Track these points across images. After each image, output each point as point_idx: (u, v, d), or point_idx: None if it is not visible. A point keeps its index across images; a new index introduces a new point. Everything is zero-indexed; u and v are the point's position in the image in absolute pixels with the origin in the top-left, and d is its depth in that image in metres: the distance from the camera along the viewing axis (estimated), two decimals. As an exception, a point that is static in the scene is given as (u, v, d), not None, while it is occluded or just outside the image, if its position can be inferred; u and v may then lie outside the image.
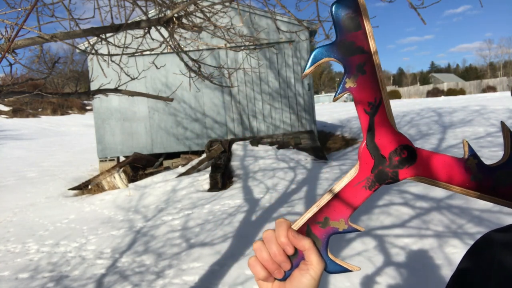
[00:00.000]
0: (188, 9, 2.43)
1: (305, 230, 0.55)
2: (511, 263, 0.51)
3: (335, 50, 0.53)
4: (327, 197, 0.54)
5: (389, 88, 49.14)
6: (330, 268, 0.55)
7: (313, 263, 0.52)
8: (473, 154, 0.53)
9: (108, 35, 2.17)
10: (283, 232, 0.53)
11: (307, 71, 0.53)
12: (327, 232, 0.54)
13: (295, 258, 0.54)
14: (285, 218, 0.55)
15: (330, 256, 0.55)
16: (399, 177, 0.54)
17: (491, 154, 6.31)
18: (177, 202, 6.05)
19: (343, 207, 0.54)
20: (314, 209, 0.55)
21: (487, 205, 4.25)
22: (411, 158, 0.54)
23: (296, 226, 0.55)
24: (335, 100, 0.56)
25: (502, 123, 0.54)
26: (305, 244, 0.52)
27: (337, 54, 0.52)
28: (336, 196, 0.54)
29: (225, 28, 2.64)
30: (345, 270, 0.55)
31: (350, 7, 0.52)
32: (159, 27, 2.22)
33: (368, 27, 0.52)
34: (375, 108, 0.53)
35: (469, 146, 0.53)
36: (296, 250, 0.54)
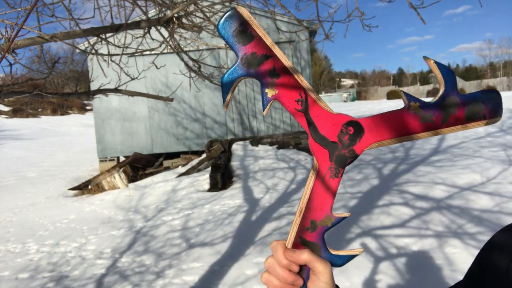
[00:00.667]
0: (188, 9, 2.43)
1: (300, 242, 0.55)
2: None
3: (241, 68, 0.53)
4: (304, 202, 0.55)
5: (389, 88, 49.13)
6: (338, 262, 0.55)
7: (320, 271, 0.53)
8: (412, 99, 0.54)
9: (108, 35, 2.17)
10: (281, 255, 0.54)
11: (225, 102, 0.54)
12: (320, 233, 0.55)
13: (304, 272, 0.55)
14: (278, 240, 0.56)
15: (332, 252, 0.55)
16: (357, 152, 0.54)
17: (492, 154, 6.32)
18: (177, 202, 6.05)
19: (322, 204, 0.55)
20: (298, 219, 0.55)
21: (487, 205, 4.25)
22: (359, 130, 0.54)
23: (290, 243, 0.55)
24: (265, 113, 0.56)
25: (425, 58, 0.54)
26: (304, 257, 0.53)
27: (245, 71, 0.53)
28: (312, 197, 0.55)
29: (225, 28, 2.63)
30: (352, 257, 0.56)
31: (235, 21, 0.52)
32: (159, 27, 2.22)
33: (260, 31, 0.52)
34: (305, 102, 0.54)
35: (405, 93, 0.54)
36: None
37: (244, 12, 0.52)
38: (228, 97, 0.53)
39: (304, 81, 0.53)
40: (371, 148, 0.54)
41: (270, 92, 0.53)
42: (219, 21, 0.53)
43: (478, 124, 0.53)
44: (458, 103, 0.53)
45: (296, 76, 0.53)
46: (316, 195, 0.55)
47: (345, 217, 0.55)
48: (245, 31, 0.52)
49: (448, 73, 0.54)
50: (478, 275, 0.59)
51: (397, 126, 0.53)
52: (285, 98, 0.54)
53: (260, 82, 0.53)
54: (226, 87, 0.53)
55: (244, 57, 0.53)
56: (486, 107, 0.53)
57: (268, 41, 0.52)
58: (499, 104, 0.54)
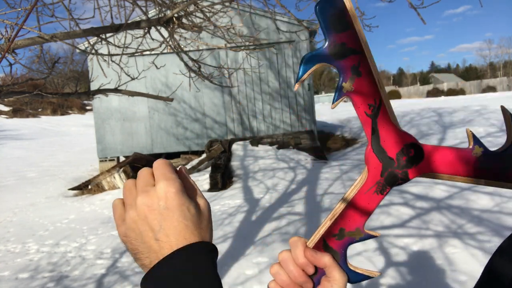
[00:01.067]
0: (188, 9, 2.43)
1: (322, 245, 0.53)
2: None
3: (326, 54, 0.50)
4: (340, 208, 0.53)
5: (389, 88, 49.15)
6: (353, 279, 0.54)
7: (336, 279, 0.51)
8: (478, 143, 0.53)
9: (108, 35, 2.17)
10: (300, 252, 0.52)
11: (298, 83, 0.51)
12: (344, 243, 0.53)
13: (316, 275, 0.53)
14: (299, 236, 0.53)
15: (351, 266, 0.54)
16: (409, 177, 0.53)
17: (491, 154, 6.32)
18: (177, 202, 6.04)
19: (357, 215, 0.53)
20: (327, 222, 0.53)
21: (487, 205, 4.25)
22: (419, 156, 0.52)
23: (312, 243, 0.53)
24: (333, 106, 0.55)
25: (503, 108, 0.54)
26: (326, 261, 0.51)
27: (329, 58, 0.50)
28: (349, 205, 0.53)
29: (225, 28, 2.64)
30: (368, 278, 0.54)
31: (336, 6, 0.50)
32: (159, 27, 2.22)
33: (357, 26, 0.50)
34: (376, 109, 0.52)
35: (473, 135, 0.53)
36: (316, 267, 0.53)
37: (348, 1, 0.50)
38: (305, 76, 0.51)
39: (383, 89, 0.52)
40: (422, 177, 0.53)
41: (346, 87, 0.51)
42: None
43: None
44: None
45: (377, 81, 0.51)
46: (355, 205, 0.53)
47: (375, 236, 0.53)
48: (343, 18, 0.50)
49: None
50: (486, 282, 0.57)
51: (455, 165, 0.52)
52: (358, 98, 0.52)
53: (339, 74, 0.51)
54: (306, 69, 0.50)
55: (332, 44, 0.50)
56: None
57: (363, 38, 0.50)
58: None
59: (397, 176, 0.52)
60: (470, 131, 0.54)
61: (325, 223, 0.53)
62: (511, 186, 0.52)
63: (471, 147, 0.52)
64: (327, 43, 0.50)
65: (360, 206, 0.53)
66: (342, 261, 0.53)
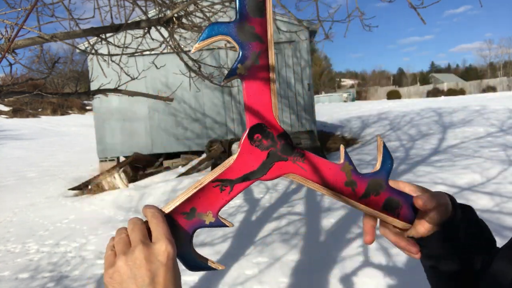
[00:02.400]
0: (188, 9, 2.43)
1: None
2: None
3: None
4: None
5: (389, 88, 49.14)
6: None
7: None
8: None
9: (108, 35, 2.17)
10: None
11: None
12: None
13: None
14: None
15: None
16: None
17: (491, 154, 6.31)
18: (177, 202, 6.04)
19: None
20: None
21: (487, 205, 4.25)
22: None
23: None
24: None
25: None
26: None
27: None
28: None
29: (225, 28, 2.63)
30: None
31: None
32: (159, 27, 2.22)
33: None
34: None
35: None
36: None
37: None
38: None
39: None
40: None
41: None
42: None
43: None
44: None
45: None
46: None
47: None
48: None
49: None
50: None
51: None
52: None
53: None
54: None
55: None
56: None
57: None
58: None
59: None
60: (344, 147, 0.56)
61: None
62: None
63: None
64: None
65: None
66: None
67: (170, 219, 0.50)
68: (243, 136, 0.52)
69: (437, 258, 0.61)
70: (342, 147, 0.56)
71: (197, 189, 0.50)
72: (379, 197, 0.55)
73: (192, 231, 0.51)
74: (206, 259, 0.51)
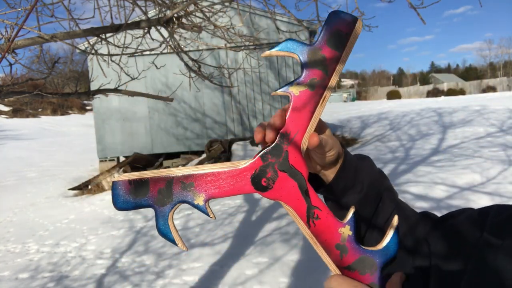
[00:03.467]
0: (188, 9, 2.43)
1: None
2: None
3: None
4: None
5: (389, 88, 49.14)
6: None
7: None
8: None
9: (108, 35, 2.17)
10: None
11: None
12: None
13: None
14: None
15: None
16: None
17: (491, 154, 6.32)
18: (177, 202, 6.04)
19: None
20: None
21: (487, 205, 4.25)
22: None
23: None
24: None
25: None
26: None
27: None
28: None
29: (225, 28, 2.64)
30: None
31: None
32: (159, 27, 2.22)
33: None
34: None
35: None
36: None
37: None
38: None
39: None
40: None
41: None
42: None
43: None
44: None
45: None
46: (217, 176, 0.52)
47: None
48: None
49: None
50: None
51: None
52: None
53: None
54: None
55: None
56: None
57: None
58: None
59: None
60: (354, 208, 0.52)
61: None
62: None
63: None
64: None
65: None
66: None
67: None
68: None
69: (341, 191, 0.63)
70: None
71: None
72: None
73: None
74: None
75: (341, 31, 0.51)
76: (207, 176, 0.52)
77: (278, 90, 0.52)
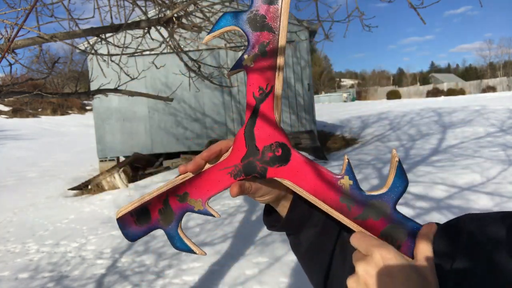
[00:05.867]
0: (187, 9, 2.43)
1: (163, 200, 0.52)
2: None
3: (244, 20, 0.49)
4: (191, 173, 0.52)
5: (389, 88, 49.13)
6: (178, 245, 0.53)
7: None
8: (349, 174, 0.49)
9: (107, 35, 2.17)
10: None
11: (209, 36, 0.50)
12: (183, 207, 0.52)
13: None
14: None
15: (180, 232, 0.53)
16: (266, 175, 0.51)
17: (492, 154, 6.31)
18: (177, 202, 6.04)
19: (204, 187, 0.52)
20: (177, 180, 0.52)
21: (487, 205, 4.25)
22: (284, 158, 0.50)
23: (156, 192, 0.52)
24: (228, 76, 0.53)
25: (394, 151, 0.50)
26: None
27: (245, 25, 0.49)
28: (201, 174, 0.52)
29: (225, 28, 2.63)
30: (191, 251, 0.53)
31: None
32: (159, 27, 2.22)
33: (284, 4, 0.48)
34: (265, 95, 0.49)
35: (348, 164, 0.49)
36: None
37: None
38: (215, 34, 0.50)
39: (280, 80, 0.49)
40: (282, 182, 0.51)
41: (246, 61, 0.49)
42: None
43: None
44: (387, 214, 0.48)
45: (278, 71, 0.49)
46: (205, 177, 0.52)
47: (212, 215, 0.52)
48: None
49: (402, 180, 0.48)
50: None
51: (317, 185, 0.49)
52: (253, 76, 0.49)
53: (247, 44, 0.50)
54: (220, 26, 0.50)
55: (254, 12, 0.49)
56: (406, 242, 0.49)
57: (284, 21, 0.49)
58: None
59: (256, 168, 0.51)
60: (347, 159, 0.50)
61: (175, 180, 0.52)
62: (358, 230, 0.49)
63: (341, 174, 0.49)
64: (250, 9, 0.49)
65: (209, 179, 0.52)
66: (175, 223, 0.52)
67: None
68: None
69: (296, 229, 0.62)
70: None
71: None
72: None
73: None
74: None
75: None
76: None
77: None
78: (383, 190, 0.49)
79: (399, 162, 0.48)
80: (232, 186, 0.51)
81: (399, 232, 0.49)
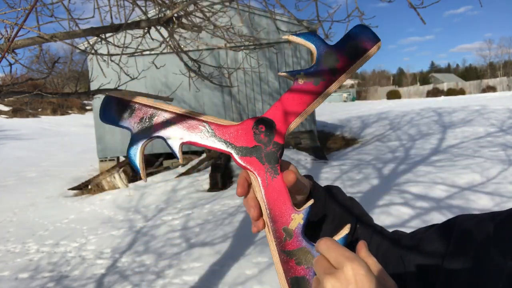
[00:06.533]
0: (188, 9, 2.43)
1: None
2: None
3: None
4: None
5: (389, 88, 49.11)
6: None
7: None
8: (296, 72, 0.54)
9: (107, 35, 2.17)
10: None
11: (292, 37, 0.54)
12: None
13: None
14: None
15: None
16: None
17: (492, 154, 6.31)
18: (177, 202, 6.04)
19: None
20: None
21: (487, 205, 4.25)
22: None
23: (278, 263, 0.51)
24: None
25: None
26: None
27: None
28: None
29: (225, 28, 2.64)
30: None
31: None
32: (159, 27, 2.22)
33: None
34: (209, 131, 0.55)
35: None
36: None
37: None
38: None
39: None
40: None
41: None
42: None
43: (365, 58, 0.53)
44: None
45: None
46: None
47: (311, 205, 0.52)
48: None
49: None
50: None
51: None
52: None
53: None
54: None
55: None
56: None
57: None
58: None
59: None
60: (284, 72, 0.55)
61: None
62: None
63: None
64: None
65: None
66: (143, 137, 0.55)
67: (155, 112, 0.55)
68: (254, 118, 0.55)
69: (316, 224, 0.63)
70: (310, 201, 0.52)
71: (188, 114, 0.55)
72: (297, 267, 0.50)
73: (156, 134, 0.55)
74: (142, 163, 0.55)
75: (361, 45, 0.53)
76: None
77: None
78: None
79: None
80: (289, 172, 0.53)
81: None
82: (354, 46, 0.53)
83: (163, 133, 0.54)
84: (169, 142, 0.54)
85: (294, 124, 0.54)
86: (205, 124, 0.54)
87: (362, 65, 0.54)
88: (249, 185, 0.55)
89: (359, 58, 0.53)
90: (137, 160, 0.54)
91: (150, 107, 0.55)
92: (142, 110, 0.55)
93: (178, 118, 0.55)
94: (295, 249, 0.51)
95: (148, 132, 0.54)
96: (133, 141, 0.54)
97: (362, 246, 0.47)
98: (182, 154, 0.55)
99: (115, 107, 0.55)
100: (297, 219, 0.52)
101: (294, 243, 0.51)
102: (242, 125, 0.54)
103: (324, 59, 0.54)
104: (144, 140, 0.54)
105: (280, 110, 0.53)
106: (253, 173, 0.53)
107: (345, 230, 0.51)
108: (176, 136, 0.54)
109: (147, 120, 0.54)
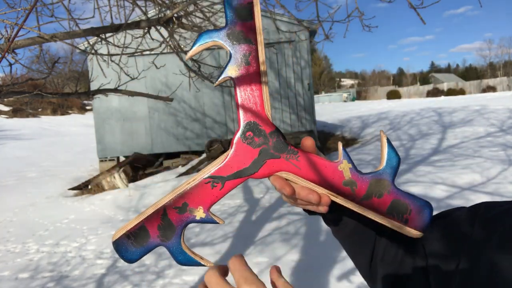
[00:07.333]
0: (188, 9, 2.43)
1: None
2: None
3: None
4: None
5: (389, 88, 49.13)
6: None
7: None
8: (347, 158, 0.51)
9: (108, 35, 2.17)
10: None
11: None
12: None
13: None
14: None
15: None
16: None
17: (492, 154, 6.31)
18: (177, 202, 6.04)
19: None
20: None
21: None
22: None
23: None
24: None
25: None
26: None
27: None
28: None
29: (225, 28, 2.63)
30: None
31: None
32: (159, 27, 2.22)
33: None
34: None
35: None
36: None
37: None
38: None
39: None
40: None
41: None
42: None
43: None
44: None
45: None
46: (316, 176, 0.52)
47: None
48: (248, 9, 0.51)
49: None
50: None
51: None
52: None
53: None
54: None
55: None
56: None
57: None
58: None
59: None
60: (341, 144, 0.53)
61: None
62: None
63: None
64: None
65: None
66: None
67: (163, 212, 0.51)
68: (236, 134, 0.52)
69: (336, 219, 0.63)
70: (339, 144, 0.52)
71: (190, 185, 0.51)
72: (382, 199, 0.51)
73: (183, 225, 0.51)
74: (195, 254, 0.52)
75: (242, 3, 0.51)
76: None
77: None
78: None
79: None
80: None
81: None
82: (240, 9, 0.51)
83: (187, 219, 0.51)
84: (199, 219, 0.51)
85: (266, 104, 0.52)
86: (206, 179, 0.51)
87: (260, 16, 0.52)
88: (288, 182, 0.53)
89: (390, 218, 0.52)
90: (191, 257, 0.51)
91: (157, 211, 0.51)
92: (153, 221, 0.51)
93: (185, 196, 0.51)
94: (367, 190, 0.51)
95: (174, 231, 0.51)
96: (171, 250, 0.51)
97: (274, 271, 0.47)
98: (216, 216, 0.51)
99: (128, 244, 0.52)
100: (345, 167, 0.52)
101: (362, 187, 0.51)
102: (234, 148, 0.52)
103: (232, 39, 0.52)
104: (179, 241, 0.51)
105: (247, 109, 0.52)
106: (281, 172, 0.52)
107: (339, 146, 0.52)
108: (197, 210, 0.51)
109: (164, 224, 0.50)
